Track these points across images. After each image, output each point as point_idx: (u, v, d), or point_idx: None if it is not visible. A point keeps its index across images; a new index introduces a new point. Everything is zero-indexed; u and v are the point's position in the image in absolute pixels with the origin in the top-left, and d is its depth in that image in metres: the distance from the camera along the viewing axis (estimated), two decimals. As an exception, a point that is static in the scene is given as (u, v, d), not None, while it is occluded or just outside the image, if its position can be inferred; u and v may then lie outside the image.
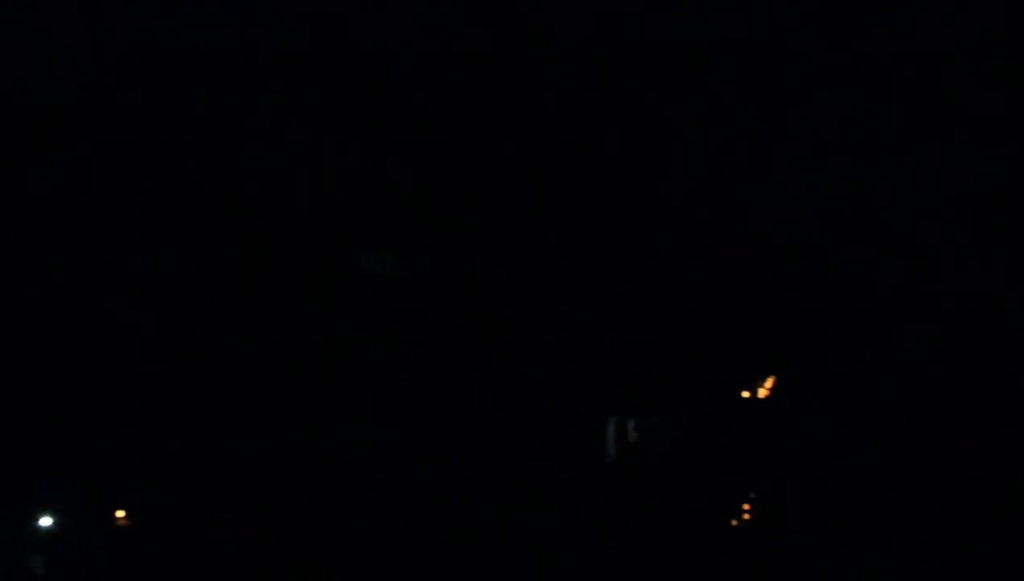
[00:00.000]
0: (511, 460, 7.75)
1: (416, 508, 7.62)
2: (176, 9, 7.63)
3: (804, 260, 7.71)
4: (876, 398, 7.46)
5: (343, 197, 7.79)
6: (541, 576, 7.50)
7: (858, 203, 7.42)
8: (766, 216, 7.58)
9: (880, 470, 7.36)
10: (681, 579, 7.54)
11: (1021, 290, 7.14)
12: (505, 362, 7.79)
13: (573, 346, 7.79)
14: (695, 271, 7.83)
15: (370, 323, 7.77)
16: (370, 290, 7.83)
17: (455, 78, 7.90)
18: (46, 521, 7.50)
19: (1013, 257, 7.04)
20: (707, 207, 7.74)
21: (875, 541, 7.26)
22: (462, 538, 7.58)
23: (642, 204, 7.80)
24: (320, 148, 7.88)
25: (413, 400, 7.83)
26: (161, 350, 7.83)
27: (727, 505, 7.68)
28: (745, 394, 7.77)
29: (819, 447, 7.52)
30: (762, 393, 7.75)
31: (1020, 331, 7.15)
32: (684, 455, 7.75)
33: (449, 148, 7.91)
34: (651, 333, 7.76)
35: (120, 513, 7.58)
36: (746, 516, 7.65)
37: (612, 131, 7.79)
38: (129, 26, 7.67)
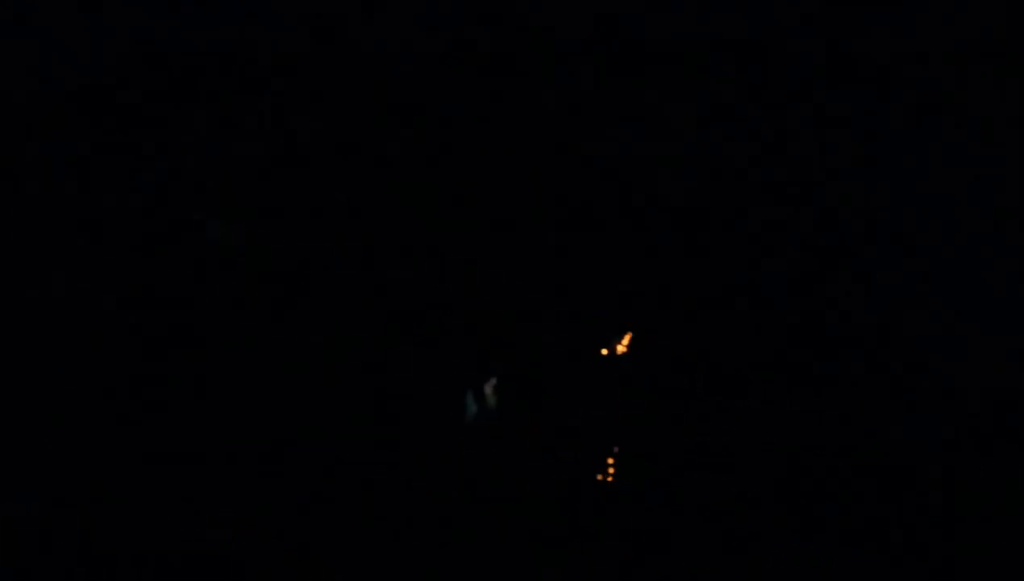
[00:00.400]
0: (370, 428, 7.74)
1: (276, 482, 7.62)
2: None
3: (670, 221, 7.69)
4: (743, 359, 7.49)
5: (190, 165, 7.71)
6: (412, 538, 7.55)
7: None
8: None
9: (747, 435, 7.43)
10: (549, 539, 7.62)
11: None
12: (363, 327, 7.77)
13: (426, 309, 7.78)
14: (552, 230, 7.83)
15: (221, 298, 7.71)
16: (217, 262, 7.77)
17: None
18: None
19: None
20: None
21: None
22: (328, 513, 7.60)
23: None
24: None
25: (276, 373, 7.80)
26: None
27: (593, 462, 7.73)
28: (603, 351, 7.79)
29: (679, 400, 7.58)
30: (620, 350, 7.78)
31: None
32: (546, 415, 7.79)
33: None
34: (505, 292, 7.75)
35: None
36: (611, 471, 7.70)
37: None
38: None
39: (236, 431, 7.72)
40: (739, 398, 7.56)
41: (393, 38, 7.71)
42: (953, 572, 6.94)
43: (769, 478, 7.40)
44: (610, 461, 7.74)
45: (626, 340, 7.86)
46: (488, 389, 7.87)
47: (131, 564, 7.67)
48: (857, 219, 7.38)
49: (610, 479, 7.78)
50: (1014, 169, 6.92)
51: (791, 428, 7.50)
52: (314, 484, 7.82)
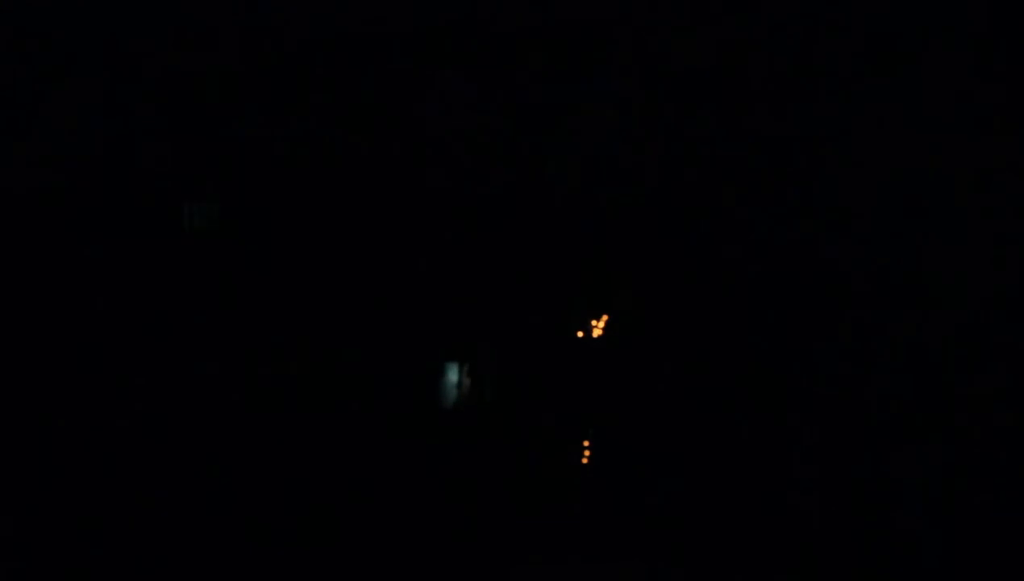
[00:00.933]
0: (342, 414, 7.76)
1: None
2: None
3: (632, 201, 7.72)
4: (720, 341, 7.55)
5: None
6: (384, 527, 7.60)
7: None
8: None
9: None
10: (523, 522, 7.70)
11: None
12: (335, 310, 7.78)
13: (400, 292, 7.79)
14: (520, 213, 7.84)
15: (192, 282, 7.68)
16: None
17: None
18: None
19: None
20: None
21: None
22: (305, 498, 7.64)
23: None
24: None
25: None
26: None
27: (567, 446, 7.80)
28: (579, 334, 7.84)
29: (657, 384, 7.63)
30: (596, 333, 7.83)
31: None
32: (520, 398, 7.84)
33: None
34: (479, 275, 7.78)
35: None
36: (586, 454, 7.77)
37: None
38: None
39: (213, 411, 7.73)
40: (714, 382, 7.63)
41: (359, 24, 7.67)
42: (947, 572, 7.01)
43: (743, 460, 7.48)
44: (585, 444, 7.79)
45: (602, 323, 7.90)
46: (462, 372, 7.91)
47: (120, 564, 7.66)
48: (796, 191, 7.39)
49: (585, 461, 7.84)
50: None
51: (766, 410, 7.58)
52: (289, 470, 7.85)
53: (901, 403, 7.14)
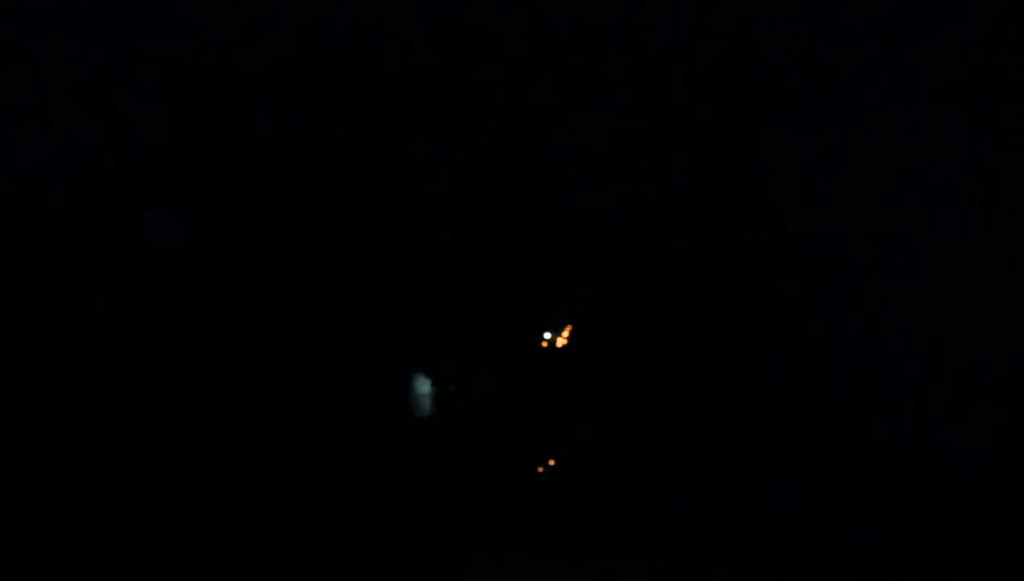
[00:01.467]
0: (318, 424, 7.73)
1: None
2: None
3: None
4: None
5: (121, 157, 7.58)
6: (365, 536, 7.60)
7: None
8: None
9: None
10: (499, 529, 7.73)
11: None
12: (305, 323, 7.75)
13: (369, 302, 7.77)
14: (490, 224, 7.86)
15: (154, 293, 7.60)
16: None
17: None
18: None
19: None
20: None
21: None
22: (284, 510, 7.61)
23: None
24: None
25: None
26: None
27: (533, 456, 7.84)
28: (543, 343, 7.86)
29: (623, 393, 7.67)
30: (560, 342, 7.85)
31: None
32: (489, 408, 7.85)
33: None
34: (449, 284, 7.78)
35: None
36: (551, 463, 7.80)
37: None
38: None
39: (175, 426, 7.63)
40: (680, 390, 7.66)
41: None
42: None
43: (707, 467, 7.52)
44: (550, 460, 7.79)
45: (566, 332, 7.90)
46: (425, 383, 7.88)
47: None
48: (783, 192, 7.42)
49: (549, 470, 7.84)
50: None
51: (729, 418, 7.61)
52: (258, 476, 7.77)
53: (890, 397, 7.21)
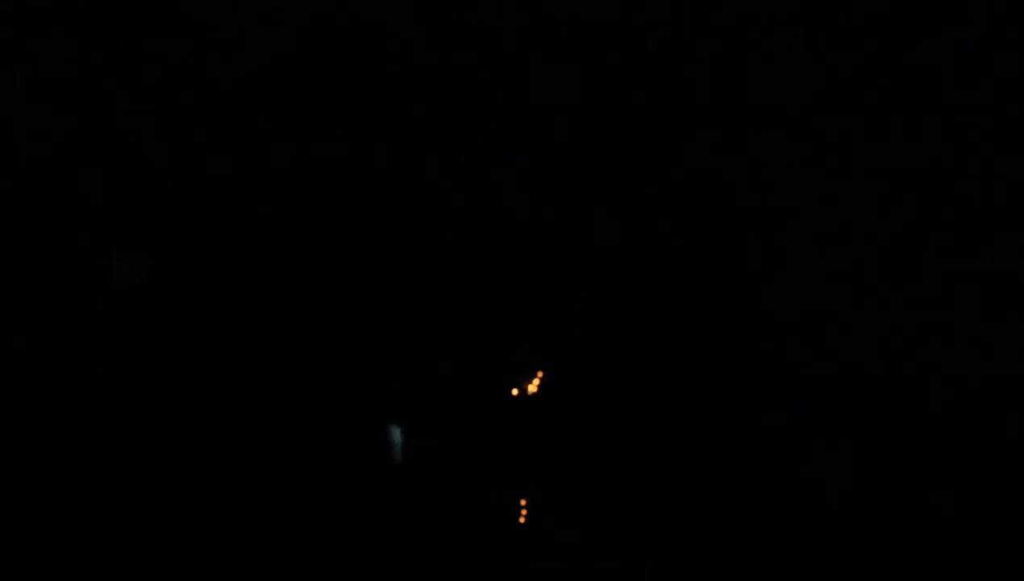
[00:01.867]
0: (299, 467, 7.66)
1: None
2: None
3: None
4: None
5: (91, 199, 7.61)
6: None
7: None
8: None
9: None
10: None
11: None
12: (278, 369, 7.69)
13: (343, 349, 7.71)
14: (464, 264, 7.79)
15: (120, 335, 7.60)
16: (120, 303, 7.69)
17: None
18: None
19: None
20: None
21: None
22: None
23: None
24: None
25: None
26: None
27: (511, 503, 7.73)
28: (514, 391, 7.78)
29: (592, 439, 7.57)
30: (531, 389, 7.77)
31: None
32: (460, 455, 7.77)
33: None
34: (423, 332, 7.71)
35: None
36: (523, 512, 7.68)
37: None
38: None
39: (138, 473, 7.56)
40: (660, 441, 7.52)
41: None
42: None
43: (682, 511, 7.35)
44: (523, 503, 7.66)
45: (536, 380, 7.79)
46: (395, 432, 7.78)
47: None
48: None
49: (523, 520, 7.68)
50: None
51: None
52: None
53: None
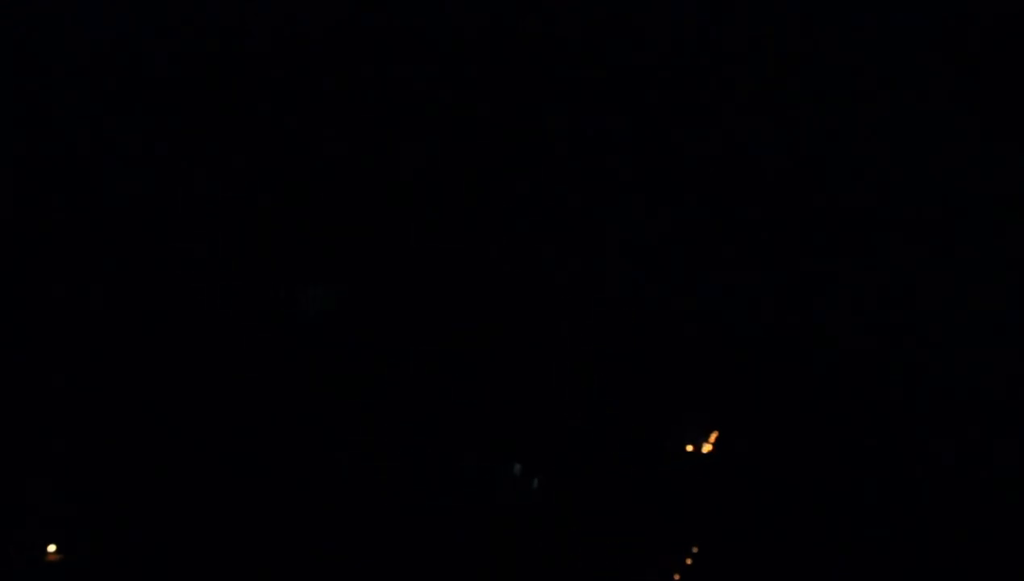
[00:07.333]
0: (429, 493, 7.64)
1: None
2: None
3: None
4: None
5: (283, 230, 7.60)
6: None
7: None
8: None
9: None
10: None
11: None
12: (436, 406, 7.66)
13: (493, 395, 7.66)
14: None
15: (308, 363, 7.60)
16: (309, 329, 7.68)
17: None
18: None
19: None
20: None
21: None
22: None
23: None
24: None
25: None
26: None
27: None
28: (689, 448, 7.67)
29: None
30: (706, 448, 7.63)
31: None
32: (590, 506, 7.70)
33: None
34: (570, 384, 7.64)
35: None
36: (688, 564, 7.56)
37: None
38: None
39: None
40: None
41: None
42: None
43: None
44: (688, 562, 7.58)
45: (712, 438, 7.67)
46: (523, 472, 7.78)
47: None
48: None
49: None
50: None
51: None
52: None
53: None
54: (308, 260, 7.60)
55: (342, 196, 7.58)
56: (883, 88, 7.09)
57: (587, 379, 7.90)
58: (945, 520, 6.97)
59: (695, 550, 7.56)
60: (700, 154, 7.29)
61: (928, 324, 6.96)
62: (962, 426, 7.00)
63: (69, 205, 7.71)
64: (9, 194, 7.72)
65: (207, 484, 7.73)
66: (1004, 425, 6.91)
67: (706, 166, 7.36)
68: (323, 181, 7.54)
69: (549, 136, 7.38)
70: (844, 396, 7.34)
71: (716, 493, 7.65)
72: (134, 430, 7.94)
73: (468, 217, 7.56)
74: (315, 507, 7.67)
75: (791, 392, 7.52)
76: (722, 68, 7.23)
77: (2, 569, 7.24)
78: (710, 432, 7.71)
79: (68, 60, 7.53)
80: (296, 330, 7.72)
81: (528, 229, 7.31)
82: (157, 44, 7.60)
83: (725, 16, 7.13)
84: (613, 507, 7.86)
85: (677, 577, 7.58)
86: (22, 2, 7.43)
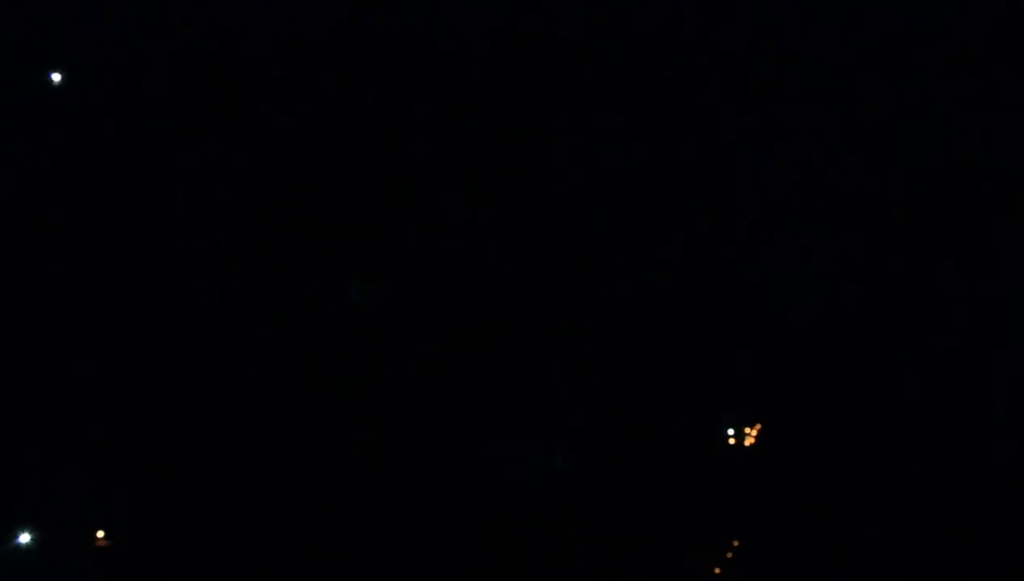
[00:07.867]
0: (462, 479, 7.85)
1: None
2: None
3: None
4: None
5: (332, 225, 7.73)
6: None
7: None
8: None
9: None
10: None
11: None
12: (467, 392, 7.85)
13: (531, 383, 7.86)
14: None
15: (356, 353, 7.76)
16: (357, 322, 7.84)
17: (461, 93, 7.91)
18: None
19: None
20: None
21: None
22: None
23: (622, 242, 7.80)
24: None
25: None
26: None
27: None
28: (731, 440, 7.85)
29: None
30: (748, 441, 7.78)
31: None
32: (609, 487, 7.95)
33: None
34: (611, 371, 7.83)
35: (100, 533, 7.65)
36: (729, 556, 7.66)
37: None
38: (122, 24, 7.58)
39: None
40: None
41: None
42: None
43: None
44: (728, 556, 7.69)
45: (755, 431, 7.77)
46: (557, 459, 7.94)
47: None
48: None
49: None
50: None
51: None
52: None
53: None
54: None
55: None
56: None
57: (626, 372, 8.12)
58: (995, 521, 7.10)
59: (735, 544, 7.73)
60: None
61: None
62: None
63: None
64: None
65: (238, 478, 7.92)
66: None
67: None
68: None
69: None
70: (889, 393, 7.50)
71: (758, 486, 7.83)
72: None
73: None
74: (345, 495, 7.88)
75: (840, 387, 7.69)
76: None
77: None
78: (754, 424, 7.90)
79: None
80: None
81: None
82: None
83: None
84: (650, 499, 8.05)
85: (717, 571, 7.73)
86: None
